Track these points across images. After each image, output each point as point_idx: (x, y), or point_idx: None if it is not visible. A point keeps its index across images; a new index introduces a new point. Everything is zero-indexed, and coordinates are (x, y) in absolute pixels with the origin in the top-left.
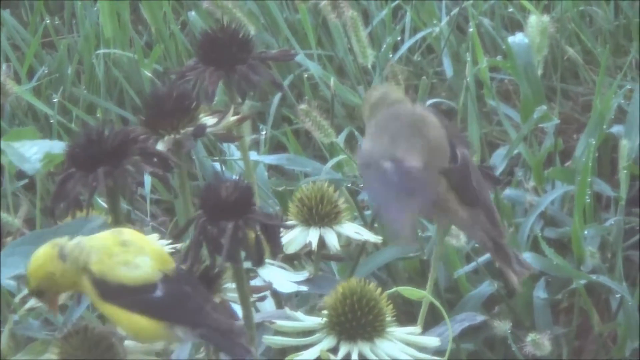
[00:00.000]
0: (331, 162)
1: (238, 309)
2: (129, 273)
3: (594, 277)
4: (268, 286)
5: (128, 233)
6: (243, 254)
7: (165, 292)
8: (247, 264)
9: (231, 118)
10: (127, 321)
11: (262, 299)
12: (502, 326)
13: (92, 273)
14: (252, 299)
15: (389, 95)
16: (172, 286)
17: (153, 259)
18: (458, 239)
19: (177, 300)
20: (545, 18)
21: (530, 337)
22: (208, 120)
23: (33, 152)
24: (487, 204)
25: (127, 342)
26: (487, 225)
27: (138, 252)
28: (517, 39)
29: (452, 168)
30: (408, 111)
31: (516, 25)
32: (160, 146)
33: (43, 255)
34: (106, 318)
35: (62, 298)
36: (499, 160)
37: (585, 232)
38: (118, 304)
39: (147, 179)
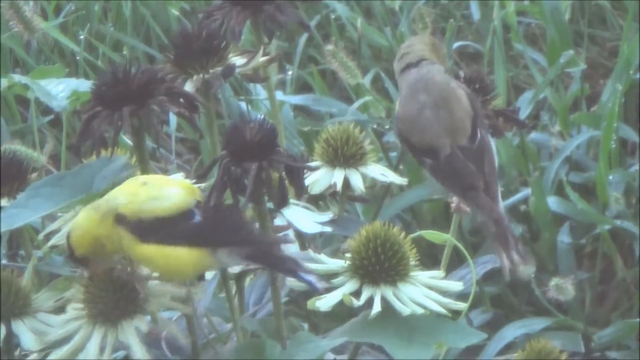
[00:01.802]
0: (357, 103)
1: None
2: (162, 204)
3: (618, 222)
4: (289, 225)
5: (145, 177)
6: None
7: (203, 217)
8: (270, 205)
9: (260, 59)
10: (167, 257)
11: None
12: (526, 270)
13: (124, 217)
14: None
15: (421, 51)
16: (208, 210)
17: (180, 188)
18: None
19: (218, 221)
20: None
21: (554, 281)
22: (237, 60)
23: (60, 89)
24: (493, 188)
25: (152, 286)
26: (492, 207)
27: (163, 185)
28: None
29: (468, 147)
30: (440, 82)
31: None
32: (189, 86)
33: (87, 221)
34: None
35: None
36: (525, 104)
37: (610, 177)
38: (158, 241)
39: (173, 118)
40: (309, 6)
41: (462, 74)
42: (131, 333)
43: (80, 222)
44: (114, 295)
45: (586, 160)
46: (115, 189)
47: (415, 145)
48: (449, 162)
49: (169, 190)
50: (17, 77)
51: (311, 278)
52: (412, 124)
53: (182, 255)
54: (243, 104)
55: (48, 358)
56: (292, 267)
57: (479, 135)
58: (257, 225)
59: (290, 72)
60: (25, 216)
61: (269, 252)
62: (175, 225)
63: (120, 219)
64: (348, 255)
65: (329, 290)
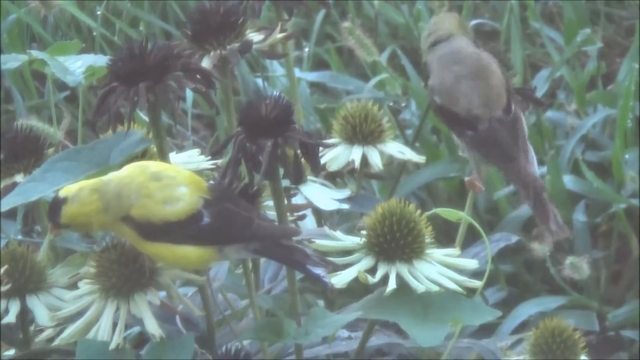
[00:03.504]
0: (374, 81)
1: None
2: (172, 209)
3: (633, 201)
4: (308, 205)
5: (155, 165)
6: (282, 171)
7: (212, 217)
8: (286, 182)
9: (278, 35)
10: (173, 255)
11: (302, 217)
12: (541, 249)
13: (132, 219)
14: (292, 218)
15: (449, 28)
16: (216, 209)
17: (189, 186)
18: None
19: (226, 221)
20: None
21: (569, 260)
22: (254, 36)
23: (78, 65)
24: (530, 160)
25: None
26: (530, 179)
27: (172, 183)
28: None
29: (504, 119)
30: (473, 53)
31: None
32: (206, 62)
33: (88, 202)
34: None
35: None
36: (541, 83)
37: (626, 156)
38: (165, 241)
39: (189, 94)
40: None
41: None
42: (144, 306)
43: (82, 198)
44: (126, 269)
45: (602, 139)
46: (125, 174)
47: (456, 115)
48: (488, 133)
49: (179, 190)
50: (35, 53)
51: (319, 271)
52: (450, 94)
53: (188, 253)
54: (259, 81)
55: (62, 335)
56: (300, 260)
57: (513, 106)
58: (266, 213)
59: (306, 49)
60: (42, 189)
61: (276, 246)
62: (183, 228)
63: (128, 220)
64: (364, 232)
65: (344, 267)
